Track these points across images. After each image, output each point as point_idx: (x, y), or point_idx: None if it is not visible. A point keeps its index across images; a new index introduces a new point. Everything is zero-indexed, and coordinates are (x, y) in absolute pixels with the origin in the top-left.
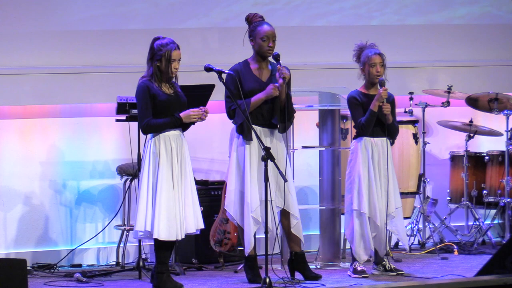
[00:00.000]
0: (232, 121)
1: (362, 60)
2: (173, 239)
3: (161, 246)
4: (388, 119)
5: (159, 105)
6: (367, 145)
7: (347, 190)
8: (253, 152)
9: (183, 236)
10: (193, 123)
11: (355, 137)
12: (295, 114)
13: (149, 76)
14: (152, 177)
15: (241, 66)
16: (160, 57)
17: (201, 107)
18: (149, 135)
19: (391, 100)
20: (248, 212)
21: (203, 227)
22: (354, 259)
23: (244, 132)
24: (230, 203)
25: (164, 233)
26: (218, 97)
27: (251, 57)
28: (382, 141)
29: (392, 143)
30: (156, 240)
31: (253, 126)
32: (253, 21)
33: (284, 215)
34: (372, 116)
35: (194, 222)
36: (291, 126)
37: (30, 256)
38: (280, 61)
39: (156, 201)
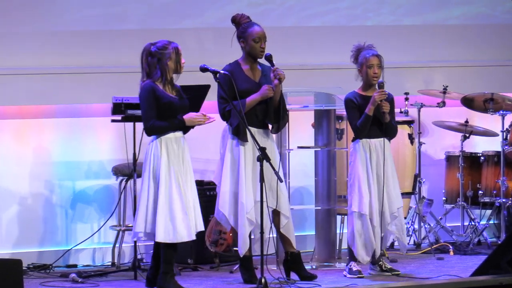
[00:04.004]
0: (227, 122)
1: (360, 61)
2: (176, 241)
3: (168, 246)
4: (385, 118)
5: (162, 108)
6: (364, 146)
7: (348, 192)
8: (248, 153)
9: (189, 239)
10: (193, 126)
11: (353, 140)
12: (290, 114)
13: (155, 78)
14: (153, 179)
15: (232, 67)
16: (169, 55)
17: (206, 115)
18: (150, 137)
19: (390, 99)
20: (243, 213)
21: (202, 229)
22: (351, 260)
23: (240, 133)
24: (224, 204)
25: (163, 235)
26: (213, 98)
27: (241, 58)
28: (379, 141)
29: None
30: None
31: (248, 127)
32: (242, 23)
33: (276, 215)
34: (367, 120)
35: (199, 223)
36: (287, 127)
37: (25, 257)
38: (273, 62)
39: (158, 203)
